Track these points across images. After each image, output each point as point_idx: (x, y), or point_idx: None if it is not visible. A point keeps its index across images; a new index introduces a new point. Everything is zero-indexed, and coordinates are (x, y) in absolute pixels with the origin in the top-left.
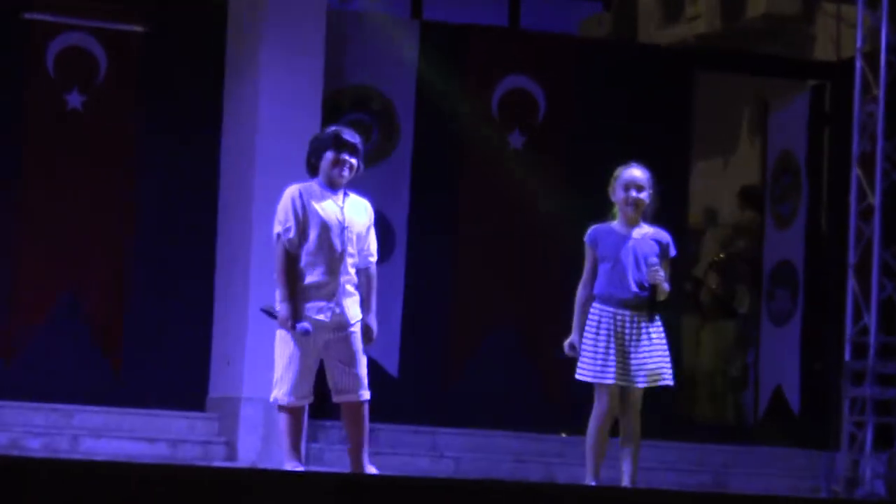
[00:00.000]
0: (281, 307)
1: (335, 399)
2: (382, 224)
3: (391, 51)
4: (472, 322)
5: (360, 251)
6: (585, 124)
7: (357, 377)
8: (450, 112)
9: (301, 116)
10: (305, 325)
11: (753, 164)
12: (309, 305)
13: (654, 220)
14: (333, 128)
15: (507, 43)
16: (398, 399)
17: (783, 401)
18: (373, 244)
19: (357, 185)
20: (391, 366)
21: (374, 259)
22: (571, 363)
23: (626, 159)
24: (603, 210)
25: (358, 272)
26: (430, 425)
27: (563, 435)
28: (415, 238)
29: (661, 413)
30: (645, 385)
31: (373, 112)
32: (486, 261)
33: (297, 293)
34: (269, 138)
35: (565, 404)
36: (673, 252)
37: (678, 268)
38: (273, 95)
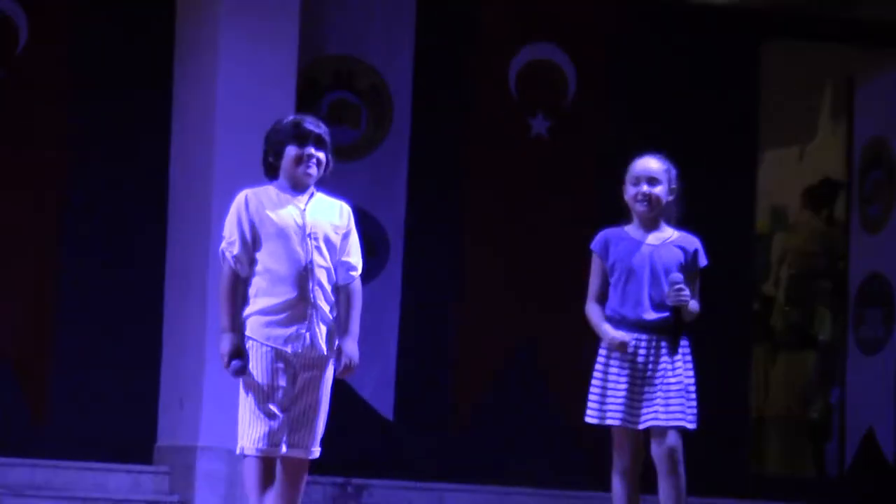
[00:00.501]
0: (221, 340)
1: (279, 451)
2: (373, 231)
3: (382, 14)
4: (484, 352)
5: (337, 263)
6: (626, 105)
7: (313, 431)
8: (456, 90)
9: (271, 97)
10: (237, 363)
11: (835, 155)
12: (275, 334)
13: (682, 222)
14: (292, 117)
15: (528, 3)
16: (395, 448)
17: (876, 448)
18: (354, 254)
19: (340, 184)
20: (385, 408)
21: (356, 273)
22: None
23: (676, 149)
24: None
25: (336, 291)
26: (435, 480)
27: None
28: (413, 248)
29: (720, 466)
30: (658, 425)
31: (359, 91)
32: (501, 276)
33: (247, 319)
34: (232, 127)
35: (599, 452)
36: (703, 261)
37: (740, 282)
38: (235, 71)
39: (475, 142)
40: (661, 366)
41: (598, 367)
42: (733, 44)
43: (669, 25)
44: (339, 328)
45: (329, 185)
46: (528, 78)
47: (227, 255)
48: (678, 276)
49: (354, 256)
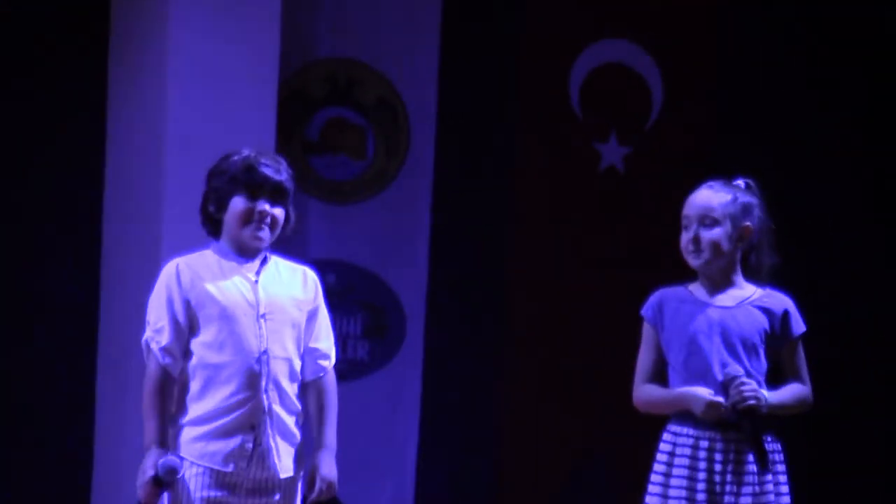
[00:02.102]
0: (147, 456)
1: None
2: (383, 301)
3: (395, 5)
4: (535, 465)
5: (303, 352)
6: (732, 124)
7: None
8: (495, 106)
9: (242, 116)
10: (171, 467)
11: None
12: (211, 449)
13: (774, 277)
14: (245, 154)
15: None
16: None
17: None
18: (325, 338)
19: (336, 235)
20: None
21: (328, 363)
22: None
23: (797, 180)
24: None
25: (303, 388)
26: None
27: None
28: (439, 323)
29: None
30: None
31: (364, 107)
32: (557, 361)
33: (180, 431)
34: (184, 153)
35: None
36: (799, 327)
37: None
38: (191, 78)
39: (523, 177)
40: (745, 477)
41: (655, 474)
42: (872, 42)
43: (790, 17)
44: (312, 438)
45: (320, 237)
46: (597, 89)
47: (153, 346)
48: (735, 368)
49: (325, 341)
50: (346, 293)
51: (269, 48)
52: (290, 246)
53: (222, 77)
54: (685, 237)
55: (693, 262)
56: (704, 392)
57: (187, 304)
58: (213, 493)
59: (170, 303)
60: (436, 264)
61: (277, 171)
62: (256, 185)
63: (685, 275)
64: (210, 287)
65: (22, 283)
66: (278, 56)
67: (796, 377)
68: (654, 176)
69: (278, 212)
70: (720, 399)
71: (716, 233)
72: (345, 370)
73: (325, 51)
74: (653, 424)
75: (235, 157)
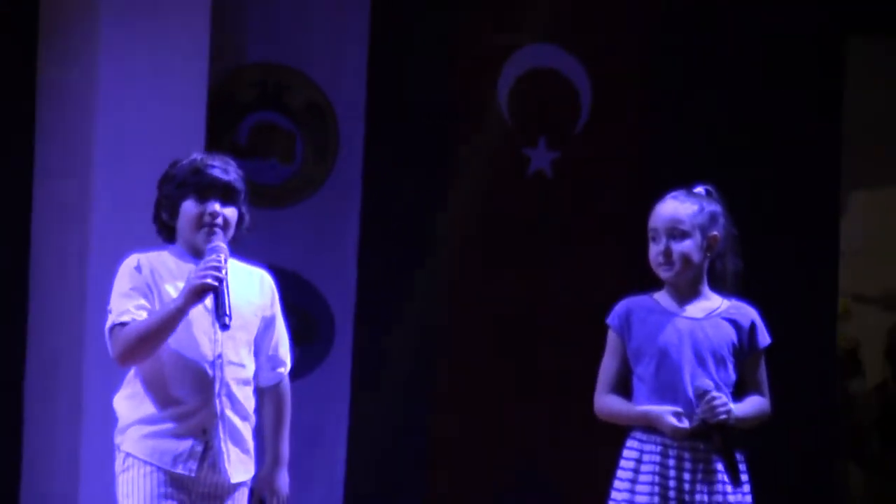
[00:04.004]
0: (184, 293)
1: None
2: (312, 306)
3: (324, 10)
4: (463, 468)
5: (259, 357)
6: (662, 129)
7: None
8: (424, 111)
9: (173, 119)
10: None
11: None
12: (161, 448)
13: (737, 287)
14: (192, 158)
15: None
16: None
17: None
18: (282, 344)
19: (265, 239)
20: None
21: (285, 370)
22: None
23: (728, 188)
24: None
25: (258, 394)
26: None
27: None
28: (368, 328)
29: None
30: None
31: (293, 112)
32: (486, 365)
33: (126, 430)
34: (114, 155)
35: None
36: (764, 339)
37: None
38: (122, 81)
39: (452, 182)
40: (715, 497)
41: (619, 481)
42: (812, 43)
43: (725, 18)
44: (263, 448)
45: (247, 242)
46: (526, 93)
47: (125, 318)
48: (705, 382)
49: (282, 347)
50: None
51: (199, 52)
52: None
53: (152, 80)
54: (654, 250)
55: (664, 274)
56: (670, 416)
57: (148, 296)
58: (164, 490)
59: (135, 288)
60: (364, 269)
61: (226, 171)
62: (205, 187)
63: (613, 268)
64: (168, 287)
65: None
66: (207, 59)
67: (757, 389)
68: (582, 179)
69: (230, 212)
70: (685, 426)
71: (686, 245)
72: None
73: (254, 55)
74: (611, 433)
75: (183, 162)
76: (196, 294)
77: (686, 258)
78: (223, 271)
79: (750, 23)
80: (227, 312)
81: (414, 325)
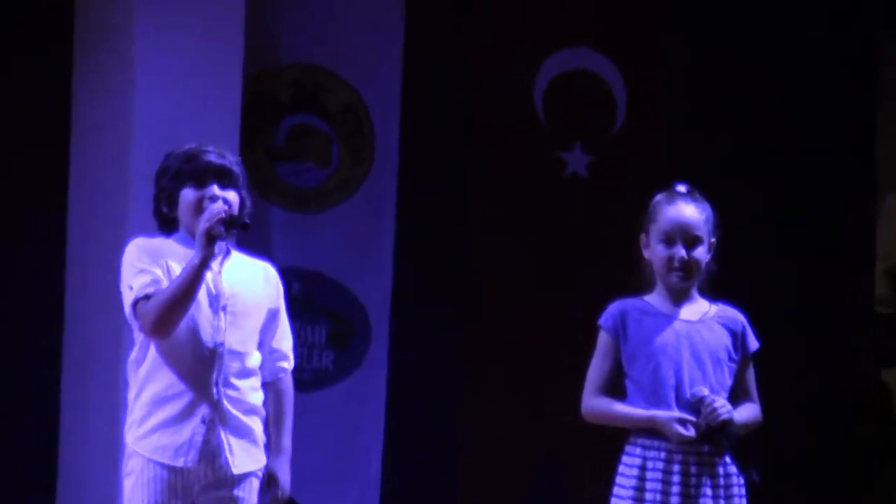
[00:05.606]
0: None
1: None
2: (348, 310)
3: (360, 12)
4: (499, 473)
5: (262, 350)
6: (697, 131)
7: None
8: (460, 115)
9: (208, 121)
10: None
11: None
12: (162, 442)
13: (715, 289)
14: (185, 148)
15: None
16: None
17: None
18: (285, 339)
19: (301, 242)
20: None
21: (288, 366)
22: None
23: (762, 190)
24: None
25: (262, 388)
26: None
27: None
28: (404, 332)
29: None
30: None
31: (329, 114)
32: (525, 368)
33: (133, 425)
34: (150, 158)
35: None
36: (753, 344)
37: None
38: (157, 83)
39: (488, 186)
40: (720, 501)
41: (621, 488)
42: (844, 42)
43: (759, 22)
44: (267, 441)
45: (284, 245)
46: (561, 95)
47: (149, 290)
48: (700, 389)
49: (286, 342)
50: (310, 301)
51: (234, 54)
52: (253, 253)
53: (187, 83)
54: (668, 253)
55: (676, 280)
56: (677, 424)
57: (161, 270)
58: (166, 499)
59: (149, 263)
60: (400, 272)
61: (221, 155)
62: (201, 172)
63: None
64: (175, 266)
65: None
66: (243, 61)
67: (748, 395)
68: (613, 183)
69: (231, 195)
70: (692, 434)
71: (701, 252)
72: (309, 379)
73: (290, 57)
74: (618, 433)
75: (177, 152)
76: (208, 241)
77: (700, 265)
78: (225, 213)
79: (786, 24)
80: (242, 220)
81: (452, 329)
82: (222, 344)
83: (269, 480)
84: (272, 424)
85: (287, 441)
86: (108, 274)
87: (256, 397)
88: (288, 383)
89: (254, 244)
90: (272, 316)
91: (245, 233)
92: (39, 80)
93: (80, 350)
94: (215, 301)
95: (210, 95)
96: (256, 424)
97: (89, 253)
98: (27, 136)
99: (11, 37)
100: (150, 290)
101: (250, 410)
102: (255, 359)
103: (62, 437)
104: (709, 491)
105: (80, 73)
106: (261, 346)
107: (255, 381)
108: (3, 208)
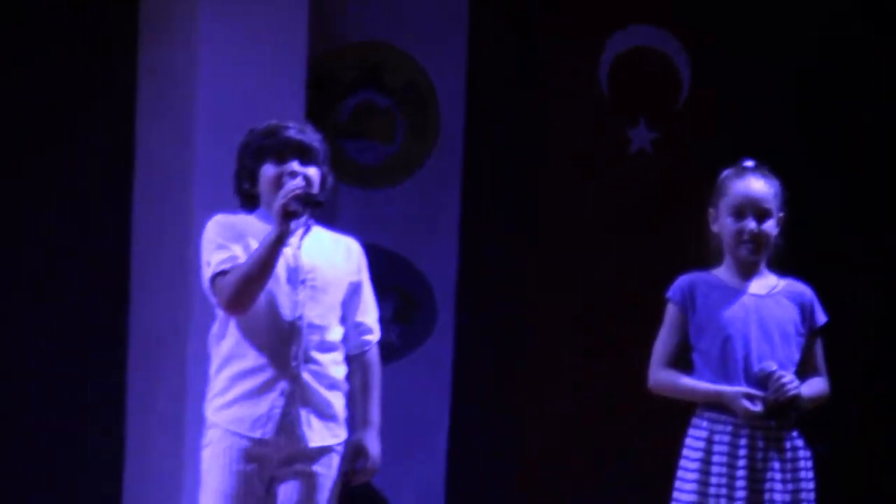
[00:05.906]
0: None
1: None
2: (413, 286)
3: None
4: (566, 452)
5: (345, 323)
6: (763, 112)
7: None
8: (526, 93)
9: (271, 99)
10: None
11: None
12: (239, 414)
13: (782, 264)
14: (267, 124)
15: None
16: None
17: None
18: (370, 311)
19: (365, 219)
20: None
21: (373, 338)
22: None
23: (822, 168)
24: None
25: (347, 362)
26: None
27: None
28: (469, 308)
29: None
30: None
31: (392, 90)
32: (588, 338)
33: (212, 399)
34: (215, 138)
35: None
36: (822, 318)
37: None
38: (221, 62)
39: (553, 161)
40: (787, 474)
41: (688, 461)
42: None
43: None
44: (354, 414)
45: (350, 221)
46: (626, 73)
47: (226, 266)
48: (768, 364)
49: (370, 315)
50: (376, 277)
51: (298, 32)
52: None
53: (251, 62)
54: (738, 226)
55: (744, 253)
56: (744, 399)
57: (240, 246)
58: (245, 468)
59: (228, 239)
60: (466, 248)
61: (302, 131)
62: (282, 148)
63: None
64: (253, 244)
65: (51, 270)
66: (306, 39)
67: (816, 370)
68: (678, 159)
69: (311, 171)
70: (759, 409)
71: (770, 225)
72: None
73: (354, 34)
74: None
75: (258, 128)
76: (284, 217)
77: (769, 238)
78: (301, 189)
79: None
80: (317, 198)
81: (516, 305)
82: (301, 318)
83: (358, 452)
84: (359, 396)
85: (375, 413)
86: (173, 262)
87: (339, 371)
88: (374, 355)
89: (319, 221)
90: (354, 290)
91: (318, 210)
92: (105, 63)
93: (146, 326)
94: (294, 275)
95: (275, 74)
96: (338, 399)
97: (154, 231)
98: (93, 117)
99: (76, 19)
100: (227, 265)
101: (332, 385)
102: (336, 332)
103: (129, 411)
104: (776, 465)
105: (145, 55)
106: (344, 320)
107: (338, 356)
108: (72, 189)
